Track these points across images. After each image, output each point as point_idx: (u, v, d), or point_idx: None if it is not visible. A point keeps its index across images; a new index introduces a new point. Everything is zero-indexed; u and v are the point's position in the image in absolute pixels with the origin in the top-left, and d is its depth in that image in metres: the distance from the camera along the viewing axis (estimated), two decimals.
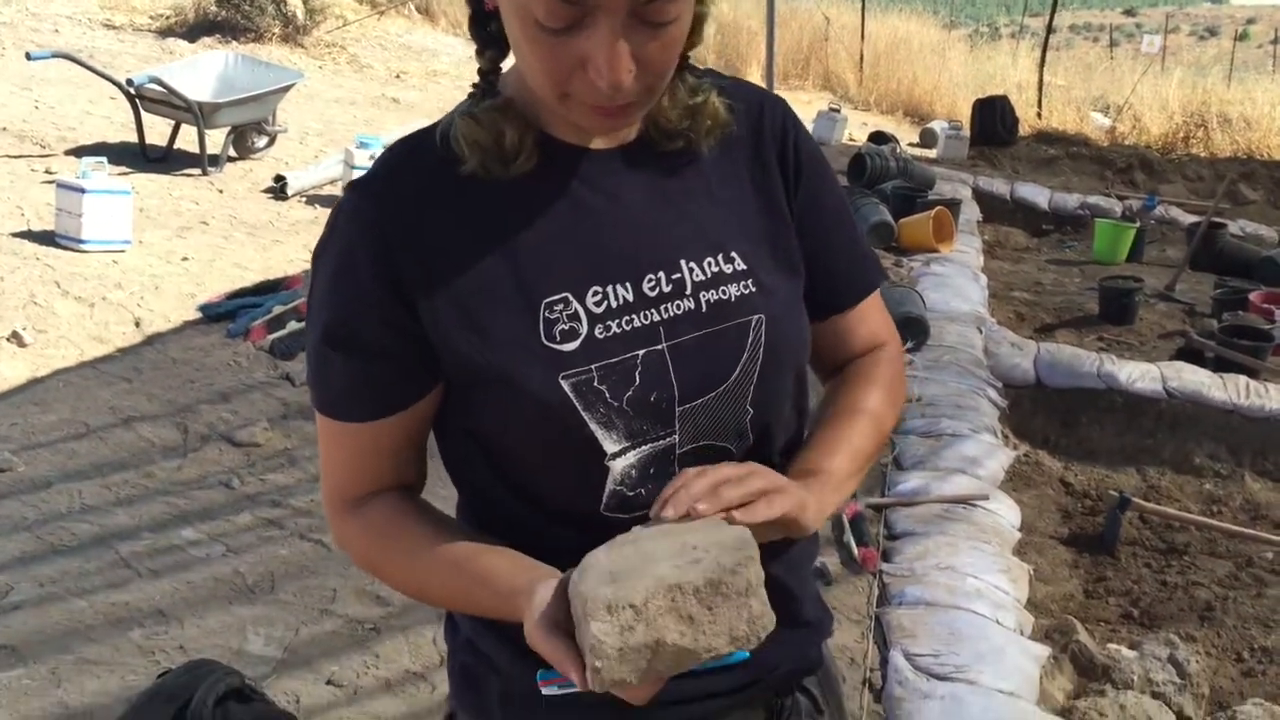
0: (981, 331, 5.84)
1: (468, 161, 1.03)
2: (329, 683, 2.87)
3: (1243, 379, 5.26)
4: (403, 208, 1.03)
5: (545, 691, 0.94)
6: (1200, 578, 3.94)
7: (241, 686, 2.41)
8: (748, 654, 0.93)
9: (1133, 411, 5.19)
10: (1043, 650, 3.14)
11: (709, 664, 0.92)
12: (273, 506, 3.73)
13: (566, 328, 1.02)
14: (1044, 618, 3.51)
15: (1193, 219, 8.99)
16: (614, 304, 1.04)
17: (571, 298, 1.03)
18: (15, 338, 4.86)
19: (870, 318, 1.25)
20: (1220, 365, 5.54)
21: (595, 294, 1.04)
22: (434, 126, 1.08)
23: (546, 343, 1.02)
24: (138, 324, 5.21)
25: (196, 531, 3.54)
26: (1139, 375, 5.28)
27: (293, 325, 5.03)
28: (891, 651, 3.06)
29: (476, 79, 1.07)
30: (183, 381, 4.63)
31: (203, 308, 5.41)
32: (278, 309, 5.19)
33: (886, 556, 3.63)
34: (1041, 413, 5.30)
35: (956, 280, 6.80)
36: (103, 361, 4.82)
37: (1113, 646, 3.34)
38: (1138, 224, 8.60)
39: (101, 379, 4.63)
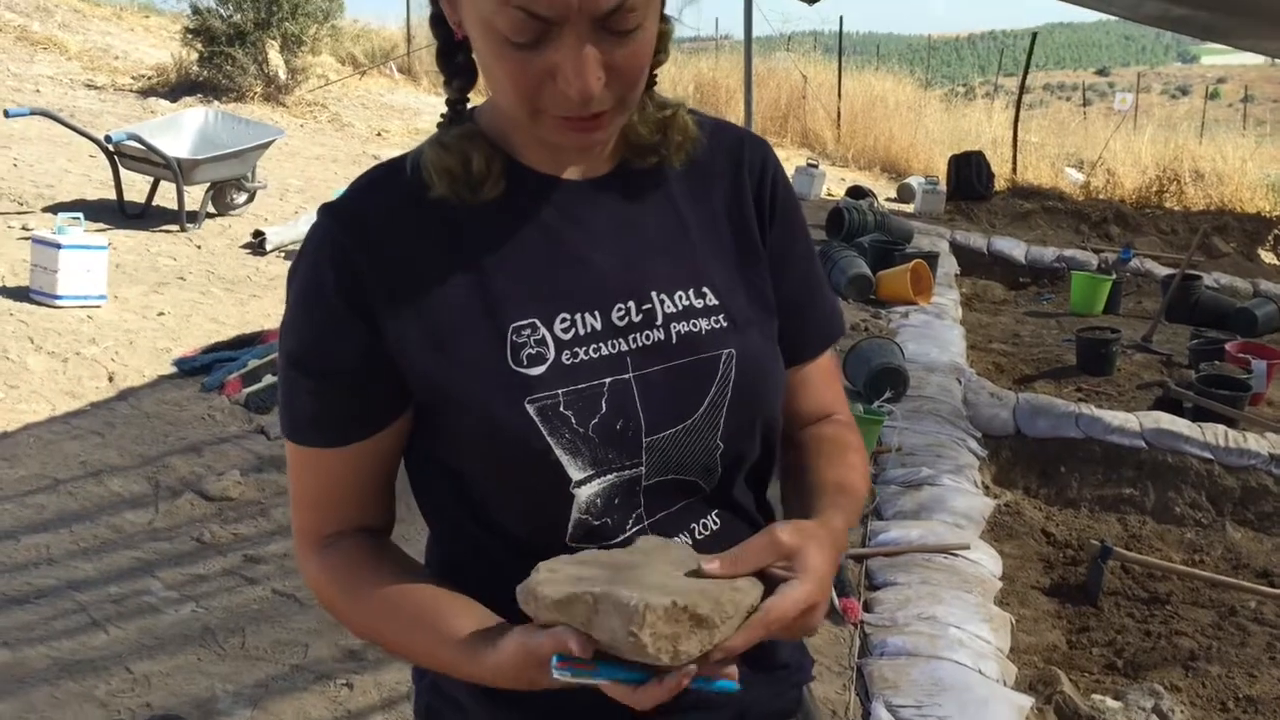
0: (961, 382, 5.84)
1: (436, 187, 1.03)
2: None
3: (1221, 428, 5.26)
4: (370, 231, 1.03)
5: (557, 675, 0.90)
6: (1184, 627, 3.91)
7: None
8: (738, 686, 0.91)
9: (1113, 461, 5.19)
10: (1026, 701, 3.09)
11: (703, 685, 0.89)
12: (244, 559, 3.66)
13: (534, 352, 1.02)
14: (1027, 668, 3.47)
15: (1168, 271, 9.07)
16: (582, 331, 1.03)
17: (539, 323, 1.03)
18: None
19: (834, 376, 1.25)
20: (1199, 415, 5.55)
21: (563, 320, 1.03)
22: (405, 155, 1.08)
23: (513, 366, 1.01)
24: (111, 379, 5.16)
25: (165, 584, 3.48)
26: (1118, 425, 5.28)
27: (268, 379, 4.99)
28: (874, 703, 3.01)
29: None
30: (155, 435, 4.58)
31: (178, 362, 5.36)
32: (253, 363, 5.15)
33: (868, 607, 3.59)
34: (1021, 462, 5.29)
35: (935, 331, 6.82)
36: (74, 416, 4.76)
37: (1097, 697, 3.30)
38: (1113, 276, 8.68)
39: (72, 433, 4.57)
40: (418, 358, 1.02)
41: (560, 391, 1.01)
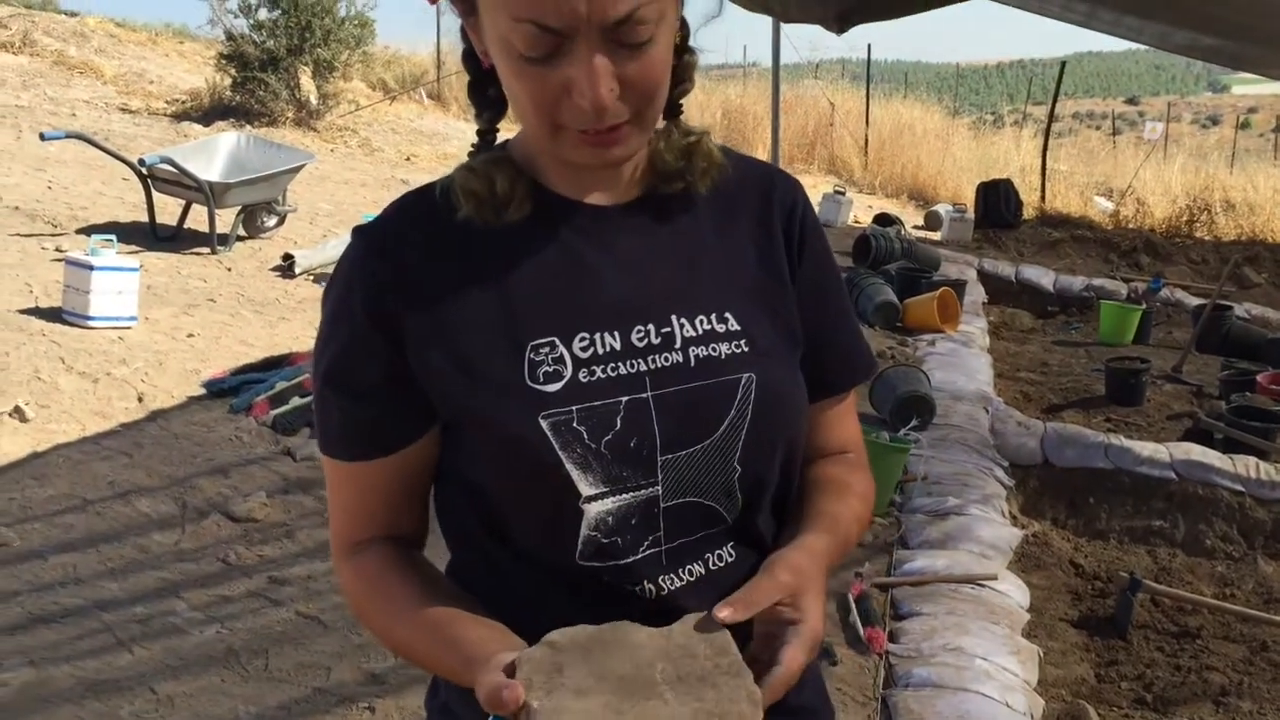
0: (988, 411, 5.81)
1: (462, 209, 1.07)
2: None
3: (1253, 460, 5.20)
4: (398, 251, 1.07)
5: None
6: (1214, 662, 3.85)
7: None
8: None
9: (1142, 492, 5.13)
10: None
11: None
12: (268, 580, 3.68)
13: (551, 370, 1.04)
14: (1055, 702, 3.43)
15: (1198, 301, 9.00)
16: (600, 351, 1.05)
17: (558, 341, 1.05)
18: (17, 413, 4.85)
19: (850, 413, 1.27)
20: (1229, 446, 5.49)
21: (582, 339, 1.05)
22: (436, 181, 1.12)
23: (530, 383, 1.03)
24: (141, 399, 5.21)
25: (190, 605, 3.49)
26: (1148, 455, 5.23)
27: (295, 401, 5.02)
28: None
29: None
30: (183, 456, 4.61)
31: (207, 383, 5.41)
32: (281, 385, 5.18)
33: (893, 637, 3.56)
34: (1049, 492, 5.25)
35: (963, 360, 6.78)
36: (104, 436, 4.80)
37: None
38: (1143, 306, 8.62)
39: (102, 454, 4.61)
40: (438, 374, 1.05)
41: (575, 408, 1.03)
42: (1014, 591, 3.95)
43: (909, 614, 3.69)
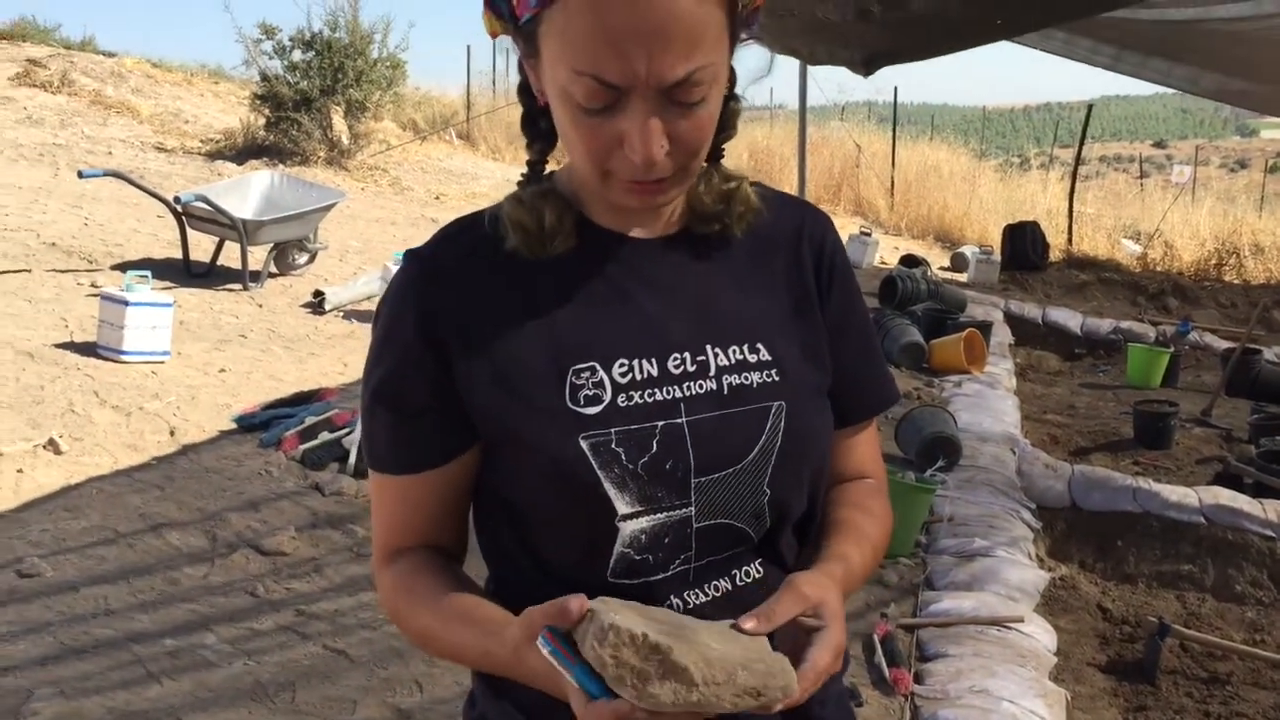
0: (1015, 452, 5.79)
1: (510, 239, 1.12)
2: None
3: None
4: (448, 276, 1.12)
5: (540, 645, 0.94)
6: (1244, 709, 3.81)
7: None
8: None
9: (1171, 536, 5.09)
10: None
11: None
12: (296, 614, 3.70)
13: (591, 394, 1.08)
14: None
15: (1227, 345, 8.95)
16: (639, 377, 1.10)
17: (599, 367, 1.10)
18: (52, 445, 4.92)
19: (873, 440, 1.31)
20: (1260, 491, 5.44)
21: (621, 366, 1.10)
22: (485, 210, 1.17)
23: (570, 406, 1.08)
24: (173, 433, 5.27)
25: (219, 638, 3.52)
26: (1177, 500, 5.20)
27: (324, 436, 5.07)
28: None
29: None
30: (214, 490, 4.66)
31: (237, 418, 5.46)
32: (310, 420, 5.23)
33: (918, 678, 3.54)
34: (1077, 536, 5.21)
35: (989, 401, 6.77)
36: (136, 470, 4.85)
37: None
38: (1172, 349, 8.57)
39: (134, 486, 4.66)
40: (483, 394, 1.10)
41: (614, 430, 1.07)
42: (1041, 634, 3.92)
43: (935, 655, 3.68)
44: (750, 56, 1.11)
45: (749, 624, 0.98)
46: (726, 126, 1.12)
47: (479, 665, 1.11)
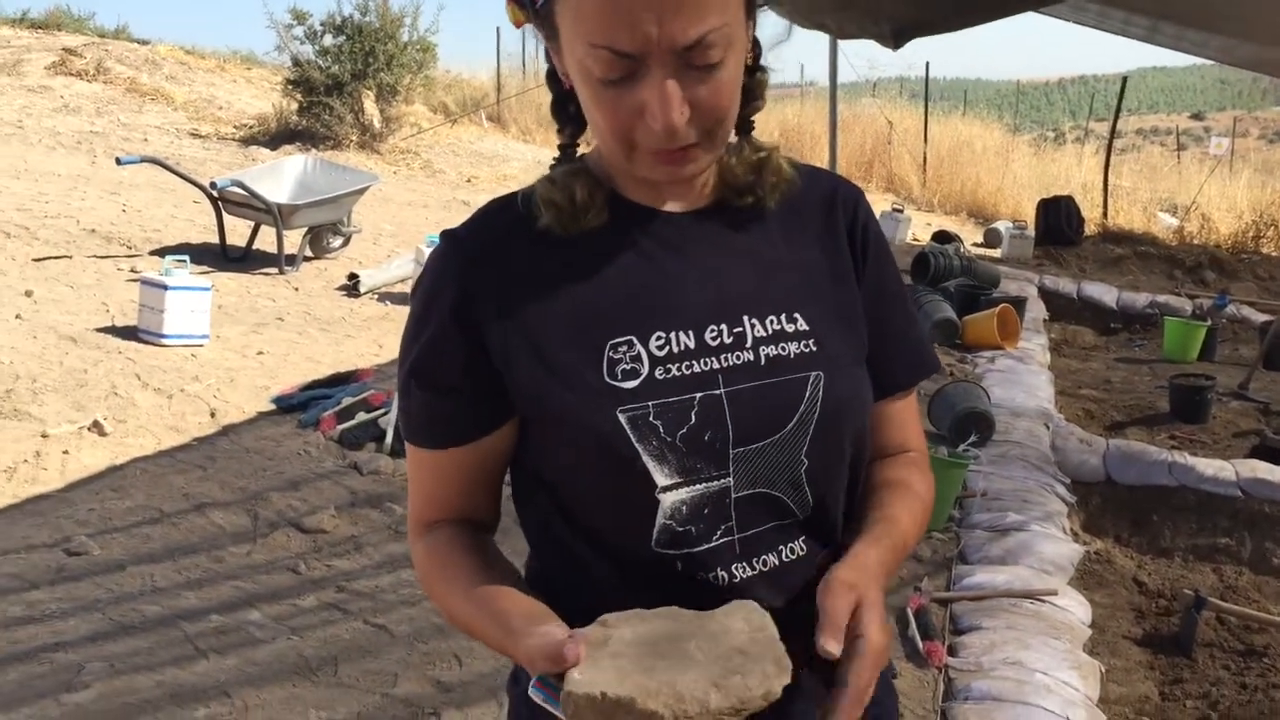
0: (1049, 427, 5.77)
1: (543, 218, 1.14)
2: None
3: None
4: (483, 255, 1.14)
5: (532, 694, 0.99)
6: None
7: None
8: None
9: (1207, 509, 5.08)
10: None
11: None
12: (337, 591, 3.77)
13: (628, 367, 1.10)
14: (1118, 719, 3.41)
15: (1265, 318, 8.86)
16: (675, 349, 1.11)
17: (636, 340, 1.11)
18: (96, 427, 5.01)
19: (912, 412, 1.31)
20: None
21: (658, 339, 1.11)
22: (519, 191, 1.19)
23: (608, 380, 1.09)
24: (213, 414, 5.35)
25: (263, 614, 3.59)
26: (1213, 473, 5.18)
27: (361, 416, 5.13)
28: None
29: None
30: (254, 470, 4.74)
31: (276, 399, 5.55)
32: (347, 400, 5.30)
33: (952, 651, 3.56)
34: (1111, 509, 5.20)
35: (1022, 376, 6.75)
36: (179, 450, 4.94)
37: None
38: (1209, 322, 8.50)
39: (177, 467, 4.75)
40: (520, 371, 1.11)
41: (651, 403, 1.08)
42: (1075, 607, 3.93)
43: (968, 628, 3.70)
44: (767, 24, 1.13)
45: (830, 645, 1.00)
46: (754, 97, 1.13)
47: (492, 647, 1.14)
